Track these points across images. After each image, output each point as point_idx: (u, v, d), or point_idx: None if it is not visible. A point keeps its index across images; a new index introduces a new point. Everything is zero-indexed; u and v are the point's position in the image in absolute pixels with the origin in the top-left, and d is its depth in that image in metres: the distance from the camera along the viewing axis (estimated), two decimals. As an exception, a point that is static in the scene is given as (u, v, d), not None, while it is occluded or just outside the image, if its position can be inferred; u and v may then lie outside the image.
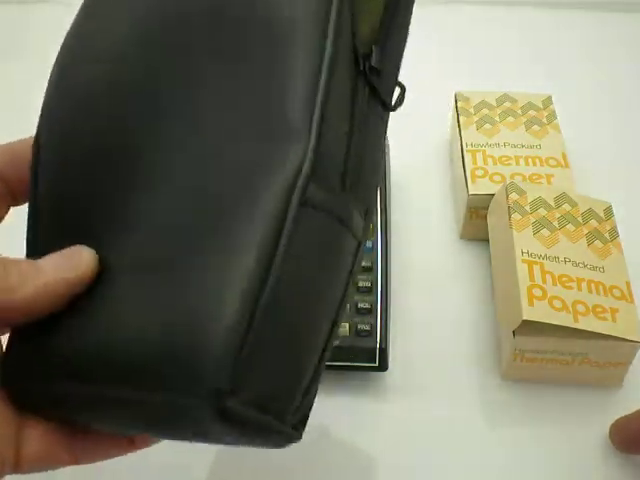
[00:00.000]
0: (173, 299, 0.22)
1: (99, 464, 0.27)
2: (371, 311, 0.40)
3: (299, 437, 0.24)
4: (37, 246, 0.25)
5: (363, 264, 0.42)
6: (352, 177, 0.24)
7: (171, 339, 0.21)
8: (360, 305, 0.40)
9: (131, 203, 0.24)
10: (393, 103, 0.27)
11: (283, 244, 0.21)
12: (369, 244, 0.42)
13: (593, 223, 0.41)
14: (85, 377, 0.22)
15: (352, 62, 0.25)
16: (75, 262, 0.23)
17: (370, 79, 0.25)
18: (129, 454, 0.27)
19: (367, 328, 0.39)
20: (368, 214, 0.26)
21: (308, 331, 0.23)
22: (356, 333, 0.39)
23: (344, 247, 0.24)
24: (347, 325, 0.39)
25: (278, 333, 0.22)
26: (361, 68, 0.25)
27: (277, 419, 0.23)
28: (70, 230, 0.25)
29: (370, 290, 0.41)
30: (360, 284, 0.41)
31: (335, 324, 0.24)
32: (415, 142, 0.54)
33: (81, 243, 0.24)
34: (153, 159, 0.24)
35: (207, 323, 0.21)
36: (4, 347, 0.25)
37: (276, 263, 0.21)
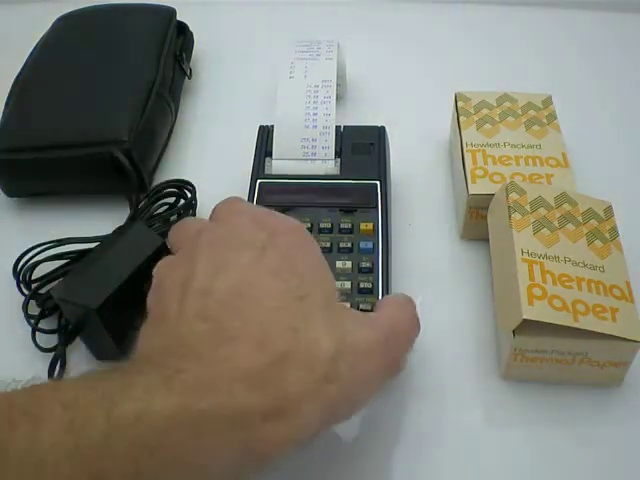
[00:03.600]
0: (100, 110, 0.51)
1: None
2: (371, 311, 0.40)
3: None
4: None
5: (363, 264, 0.42)
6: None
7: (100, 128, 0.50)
8: (361, 306, 0.40)
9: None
10: None
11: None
12: (369, 244, 0.42)
13: (593, 223, 0.41)
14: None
15: None
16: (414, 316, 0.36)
17: None
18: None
19: (367, 328, 0.39)
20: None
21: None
22: (356, 333, 0.39)
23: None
24: (347, 325, 0.39)
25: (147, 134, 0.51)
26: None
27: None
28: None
29: (370, 290, 0.41)
30: (360, 284, 0.41)
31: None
32: (415, 142, 0.54)
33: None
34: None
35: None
36: None
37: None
